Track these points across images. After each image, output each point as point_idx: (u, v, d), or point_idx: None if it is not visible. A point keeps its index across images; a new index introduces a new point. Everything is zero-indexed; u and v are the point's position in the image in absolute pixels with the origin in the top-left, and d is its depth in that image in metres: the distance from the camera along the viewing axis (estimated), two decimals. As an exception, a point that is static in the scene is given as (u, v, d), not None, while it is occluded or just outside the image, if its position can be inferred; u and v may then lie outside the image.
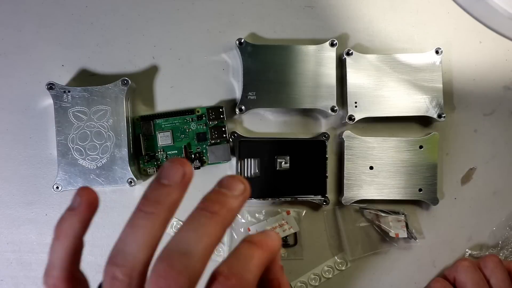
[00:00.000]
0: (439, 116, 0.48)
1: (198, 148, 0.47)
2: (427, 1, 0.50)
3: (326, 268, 0.48)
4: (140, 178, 0.47)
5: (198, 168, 0.47)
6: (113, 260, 0.22)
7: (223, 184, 0.25)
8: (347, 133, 0.48)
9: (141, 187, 0.48)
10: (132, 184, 0.44)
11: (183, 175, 0.24)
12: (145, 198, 0.24)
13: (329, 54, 0.47)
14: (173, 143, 0.47)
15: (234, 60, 0.49)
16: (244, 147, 0.47)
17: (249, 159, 0.47)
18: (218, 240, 0.23)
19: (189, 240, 0.22)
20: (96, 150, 0.45)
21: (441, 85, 0.48)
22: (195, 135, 0.47)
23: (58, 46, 0.48)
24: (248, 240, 0.24)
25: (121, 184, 0.45)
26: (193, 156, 0.47)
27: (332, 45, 0.47)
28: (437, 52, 0.48)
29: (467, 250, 0.50)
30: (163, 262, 0.21)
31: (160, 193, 0.24)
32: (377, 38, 0.50)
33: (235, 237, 0.48)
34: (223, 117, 0.47)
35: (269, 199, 0.48)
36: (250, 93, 0.46)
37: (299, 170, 0.47)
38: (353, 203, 0.48)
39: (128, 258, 0.22)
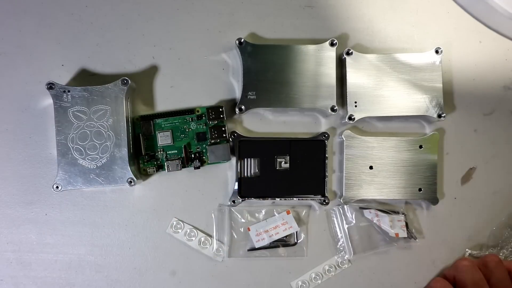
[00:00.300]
0: (439, 116, 0.48)
1: (198, 148, 0.47)
2: (427, 1, 0.51)
3: (326, 268, 0.48)
4: (140, 178, 0.47)
5: (198, 168, 0.47)
6: None
7: None
8: (347, 132, 0.48)
9: (141, 187, 0.48)
10: (132, 184, 0.44)
11: None
12: None
13: (329, 54, 0.47)
14: (173, 142, 0.47)
15: (234, 60, 0.49)
16: (244, 147, 0.47)
17: (249, 159, 0.47)
18: None
19: None
20: (96, 150, 0.45)
21: (441, 85, 0.48)
22: (195, 134, 0.47)
23: (58, 46, 0.48)
24: None
25: (121, 184, 0.45)
26: (193, 156, 0.47)
27: (332, 44, 0.47)
28: (437, 51, 0.48)
29: (467, 249, 0.50)
30: None
31: None
32: (377, 38, 0.50)
33: (235, 237, 0.48)
34: (223, 117, 0.47)
35: (269, 199, 0.48)
36: (250, 93, 0.46)
37: (299, 170, 0.47)
38: (353, 202, 0.48)
39: None
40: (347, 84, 0.47)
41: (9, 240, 0.47)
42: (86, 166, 0.45)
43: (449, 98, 0.50)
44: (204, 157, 0.47)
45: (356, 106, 0.47)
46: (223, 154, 0.47)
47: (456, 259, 0.49)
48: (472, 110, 0.50)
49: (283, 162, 0.47)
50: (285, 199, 0.48)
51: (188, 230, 0.47)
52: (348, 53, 0.47)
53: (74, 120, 0.45)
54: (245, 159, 0.47)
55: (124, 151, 0.45)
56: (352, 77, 0.47)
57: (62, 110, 0.45)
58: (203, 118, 0.47)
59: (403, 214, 0.48)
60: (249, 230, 0.48)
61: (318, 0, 0.50)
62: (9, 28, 0.47)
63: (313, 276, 0.48)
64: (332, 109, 0.47)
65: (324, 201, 0.48)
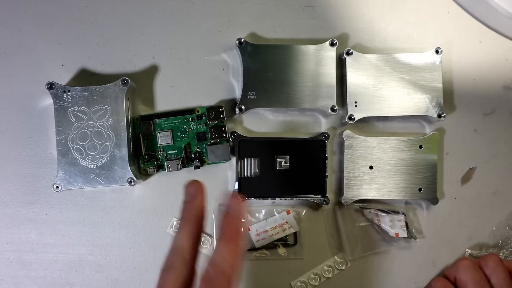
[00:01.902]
0: (439, 115, 0.48)
1: (198, 148, 0.47)
2: (427, 0, 0.51)
3: (326, 268, 0.48)
4: (140, 177, 0.47)
5: (198, 168, 0.47)
6: None
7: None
8: (347, 132, 0.48)
9: (141, 187, 0.48)
10: (132, 183, 0.44)
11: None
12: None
13: (329, 54, 0.47)
14: (173, 142, 0.47)
15: (234, 60, 0.49)
16: (244, 147, 0.47)
17: (249, 159, 0.47)
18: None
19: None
20: (96, 150, 0.45)
21: (441, 85, 0.48)
22: (195, 134, 0.47)
23: (58, 46, 0.48)
24: (221, 238, 0.32)
25: (121, 184, 0.45)
26: (193, 156, 0.47)
27: (332, 44, 0.47)
28: (437, 51, 0.48)
29: (467, 249, 0.50)
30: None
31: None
32: (377, 38, 0.50)
33: (235, 236, 0.48)
34: (223, 117, 0.47)
35: (269, 199, 0.48)
36: (250, 93, 0.46)
37: (299, 170, 0.47)
38: (353, 202, 0.48)
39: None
40: (347, 84, 0.47)
41: (9, 240, 0.47)
42: (86, 166, 0.45)
43: (449, 98, 0.50)
44: (204, 157, 0.47)
45: (356, 106, 0.47)
46: (223, 154, 0.47)
47: (456, 259, 0.49)
48: (472, 110, 0.50)
49: (283, 162, 0.47)
50: (285, 199, 0.48)
51: (188, 230, 0.47)
52: (348, 53, 0.47)
53: (74, 120, 0.45)
54: (245, 159, 0.47)
55: (124, 151, 0.45)
56: (352, 77, 0.47)
57: (62, 110, 0.45)
58: (203, 118, 0.47)
59: (403, 214, 0.48)
60: (249, 230, 0.48)
61: (318, 0, 0.50)
62: (9, 28, 0.47)
63: (313, 276, 0.48)
64: (332, 109, 0.47)
65: (324, 201, 0.48)
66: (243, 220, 0.34)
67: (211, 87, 0.48)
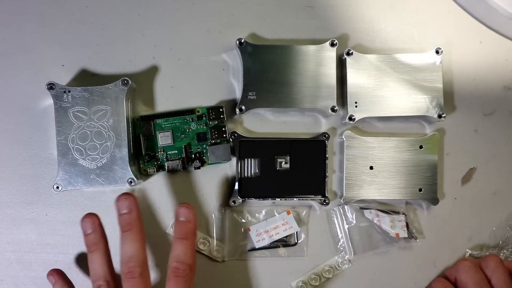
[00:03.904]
0: (439, 116, 0.48)
1: (198, 148, 0.47)
2: (427, 1, 0.51)
3: (326, 268, 0.48)
4: (140, 178, 0.47)
5: (198, 168, 0.47)
6: None
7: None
8: (347, 133, 0.48)
9: (141, 187, 0.48)
10: (132, 184, 0.44)
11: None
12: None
13: (329, 54, 0.47)
14: (173, 143, 0.47)
15: (234, 60, 0.49)
16: (244, 147, 0.47)
17: (249, 159, 0.47)
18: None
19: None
20: (96, 150, 0.45)
21: (441, 85, 0.48)
22: (195, 135, 0.47)
23: (58, 46, 0.48)
24: (176, 238, 0.41)
25: (121, 184, 0.45)
26: (193, 156, 0.47)
27: (332, 45, 0.47)
28: (437, 52, 0.48)
29: (467, 250, 0.50)
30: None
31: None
32: (377, 38, 0.50)
33: (235, 237, 0.48)
34: (223, 117, 0.47)
35: (269, 199, 0.48)
36: (250, 93, 0.46)
37: (299, 170, 0.47)
38: (353, 203, 0.48)
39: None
40: (348, 85, 0.47)
41: (9, 240, 0.47)
42: (87, 166, 0.45)
43: (449, 99, 0.50)
44: (204, 157, 0.47)
45: (356, 106, 0.47)
46: (223, 154, 0.47)
47: (456, 260, 0.49)
48: (472, 111, 0.50)
49: (283, 163, 0.47)
50: (286, 200, 0.48)
51: (189, 231, 0.47)
52: (348, 54, 0.47)
53: (75, 120, 0.45)
54: (245, 159, 0.47)
55: (125, 151, 0.45)
56: (353, 78, 0.47)
57: (63, 111, 0.45)
58: (204, 118, 0.47)
59: (403, 214, 0.48)
60: (249, 230, 0.48)
61: (318, 1, 0.50)
62: (9, 29, 0.47)
63: (313, 276, 0.48)
64: (333, 110, 0.47)
65: (325, 201, 0.48)
66: (193, 223, 0.41)
67: (211, 88, 0.48)
